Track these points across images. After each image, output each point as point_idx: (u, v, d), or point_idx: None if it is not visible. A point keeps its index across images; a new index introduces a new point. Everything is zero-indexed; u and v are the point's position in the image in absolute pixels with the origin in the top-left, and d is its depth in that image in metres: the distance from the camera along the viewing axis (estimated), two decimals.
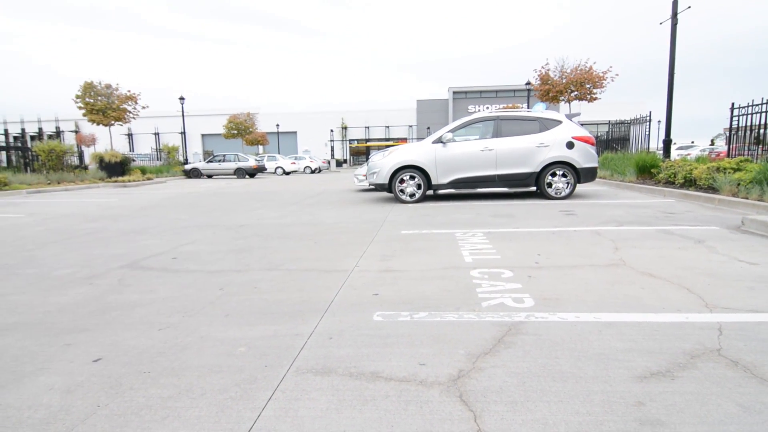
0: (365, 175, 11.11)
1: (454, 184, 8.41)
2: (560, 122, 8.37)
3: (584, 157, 8.22)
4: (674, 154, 18.97)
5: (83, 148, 24.15)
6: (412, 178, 8.42)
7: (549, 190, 8.27)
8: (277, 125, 46.12)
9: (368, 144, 49.49)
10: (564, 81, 19.04)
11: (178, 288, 3.27)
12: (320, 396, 1.74)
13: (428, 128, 46.18)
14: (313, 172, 32.11)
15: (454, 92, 48.92)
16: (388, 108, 52.00)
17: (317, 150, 48.06)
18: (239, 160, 24.05)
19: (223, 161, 24.30)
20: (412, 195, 8.46)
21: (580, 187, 10.36)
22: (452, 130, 8.42)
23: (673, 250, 4.08)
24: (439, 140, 8.35)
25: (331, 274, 3.54)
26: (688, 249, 4.10)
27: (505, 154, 8.19)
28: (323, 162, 37.20)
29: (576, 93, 19.13)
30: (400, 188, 8.48)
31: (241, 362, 2.05)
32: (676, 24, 10.99)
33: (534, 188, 8.56)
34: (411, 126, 51.25)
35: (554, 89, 19.33)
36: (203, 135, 52.14)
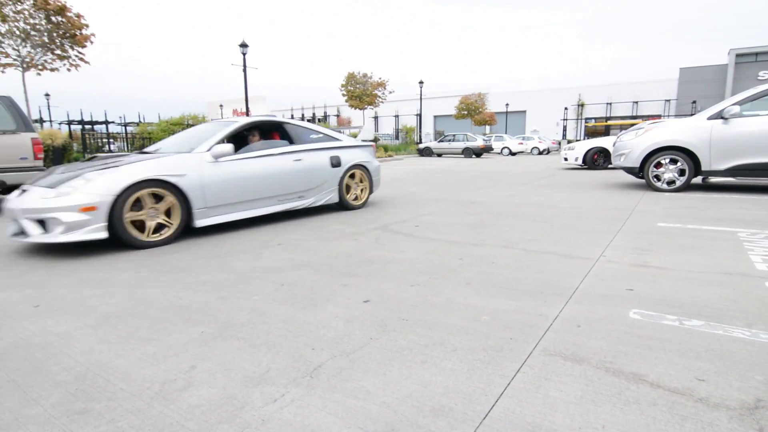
0: None
1: (735, 171, 6.63)
2: None
3: None
4: None
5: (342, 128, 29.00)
6: (673, 162, 7.02)
7: None
8: (507, 105, 45.25)
9: (608, 122, 43.75)
10: None
11: (422, 252, 3.61)
12: (573, 382, 1.65)
13: (694, 102, 37.66)
14: (540, 153, 30.47)
15: (738, 55, 38.05)
16: (636, 80, 44.45)
17: (546, 130, 45.19)
18: (467, 140, 24.71)
19: (453, 141, 25.38)
20: (670, 182, 7.08)
21: None
22: (740, 102, 6.59)
23: None
24: (719, 115, 6.67)
25: (572, 260, 3.30)
26: None
27: None
28: (552, 143, 34.76)
29: None
30: (655, 173, 7.19)
31: (486, 329, 2.13)
32: None
33: None
34: (668, 101, 42.63)
35: None
36: (435, 116, 55.46)
